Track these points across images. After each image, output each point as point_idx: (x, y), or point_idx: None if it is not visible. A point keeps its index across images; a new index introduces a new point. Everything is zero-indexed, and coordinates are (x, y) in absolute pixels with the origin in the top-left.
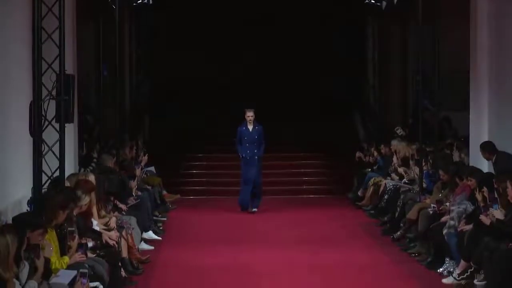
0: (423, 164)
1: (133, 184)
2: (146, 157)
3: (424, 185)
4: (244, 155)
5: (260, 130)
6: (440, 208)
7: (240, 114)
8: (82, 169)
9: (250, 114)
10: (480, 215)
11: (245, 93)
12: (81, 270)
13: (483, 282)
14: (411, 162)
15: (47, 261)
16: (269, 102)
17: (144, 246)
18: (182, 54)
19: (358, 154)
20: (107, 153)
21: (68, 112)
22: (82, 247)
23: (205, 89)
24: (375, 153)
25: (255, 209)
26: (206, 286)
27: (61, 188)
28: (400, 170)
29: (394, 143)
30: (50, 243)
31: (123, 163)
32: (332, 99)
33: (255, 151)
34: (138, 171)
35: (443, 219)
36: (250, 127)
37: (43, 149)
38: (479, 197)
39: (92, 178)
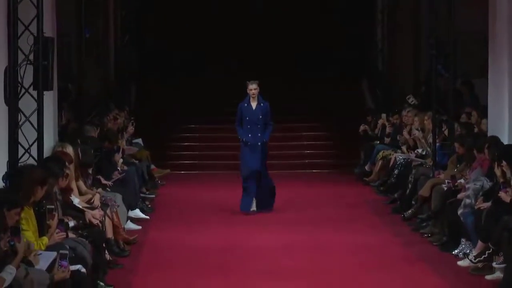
0: (437, 136)
1: (118, 157)
2: (133, 128)
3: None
4: (244, 139)
5: (266, 108)
6: (456, 184)
7: (239, 79)
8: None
9: (253, 88)
10: (499, 192)
11: (242, 54)
12: (60, 251)
13: (503, 265)
14: (423, 134)
15: (28, 245)
16: (266, 63)
17: (130, 225)
18: (172, 14)
19: (362, 127)
20: (90, 123)
21: (46, 78)
22: (62, 224)
23: (198, 52)
24: (385, 124)
25: (254, 209)
26: (198, 269)
27: (42, 161)
28: (412, 142)
29: (405, 113)
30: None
31: (106, 133)
32: (337, 63)
33: (259, 134)
34: (123, 143)
35: (460, 196)
36: (254, 104)
37: (19, 119)
38: (497, 172)
39: (70, 150)
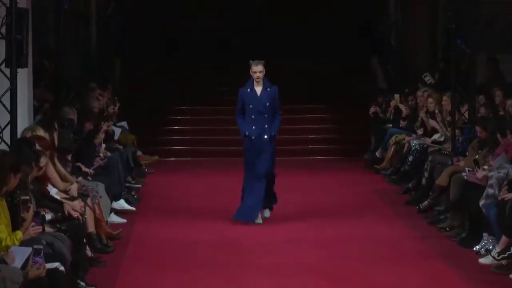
0: (457, 119)
1: (100, 137)
2: (117, 109)
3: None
4: (248, 133)
5: (274, 93)
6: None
7: (238, 57)
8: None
9: (257, 70)
10: None
11: (243, 29)
12: (34, 247)
13: None
14: (441, 116)
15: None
16: (265, 37)
17: (114, 218)
18: None
19: (373, 109)
20: (69, 104)
21: (21, 54)
22: (38, 217)
23: (191, 23)
24: (398, 105)
25: (266, 214)
26: (190, 267)
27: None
28: (432, 124)
29: (420, 93)
30: None
31: (87, 115)
32: (345, 37)
33: (266, 126)
34: (105, 126)
35: (479, 174)
36: (258, 90)
37: None
38: None
39: (41, 133)
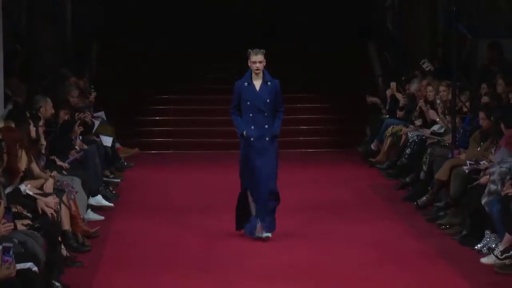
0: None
1: (77, 130)
2: (93, 98)
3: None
4: (245, 133)
5: (275, 88)
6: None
7: (220, 42)
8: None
9: (257, 60)
10: None
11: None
12: (3, 245)
13: None
14: (442, 106)
15: None
16: (254, 22)
17: (91, 215)
18: None
19: (369, 98)
20: (43, 92)
21: None
22: (9, 213)
23: (173, 6)
24: (395, 94)
25: (267, 234)
26: (171, 267)
27: None
28: (431, 115)
29: (419, 79)
30: None
31: (61, 104)
32: (339, 22)
33: (266, 126)
34: (86, 116)
35: (482, 180)
36: (257, 83)
37: None
38: None
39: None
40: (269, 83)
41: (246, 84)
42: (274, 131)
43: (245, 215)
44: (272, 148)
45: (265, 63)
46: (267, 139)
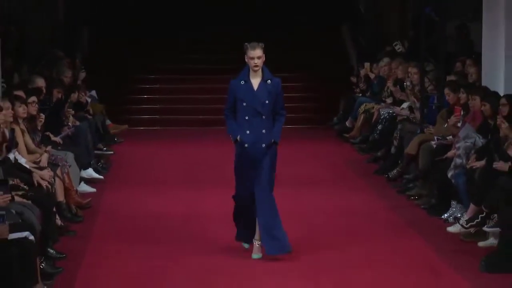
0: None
1: (69, 112)
2: (84, 74)
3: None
4: (239, 138)
5: (277, 87)
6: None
7: (205, 24)
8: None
9: (255, 55)
10: (494, 163)
11: None
12: None
13: (495, 229)
14: (411, 86)
15: None
16: (230, 8)
17: (84, 187)
18: None
19: (353, 78)
20: (38, 73)
21: None
22: (5, 184)
23: None
24: (369, 74)
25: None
26: (161, 237)
27: None
28: (397, 94)
29: (387, 61)
30: None
31: (53, 83)
32: (313, 6)
33: (264, 131)
34: (81, 96)
35: (449, 154)
36: (256, 82)
37: None
38: (504, 127)
39: (7, 105)
40: (269, 81)
41: (242, 82)
42: (273, 137)
43: (248, 227)
44: (268, 157)
45: (264, 59)
46: (263, 145)
